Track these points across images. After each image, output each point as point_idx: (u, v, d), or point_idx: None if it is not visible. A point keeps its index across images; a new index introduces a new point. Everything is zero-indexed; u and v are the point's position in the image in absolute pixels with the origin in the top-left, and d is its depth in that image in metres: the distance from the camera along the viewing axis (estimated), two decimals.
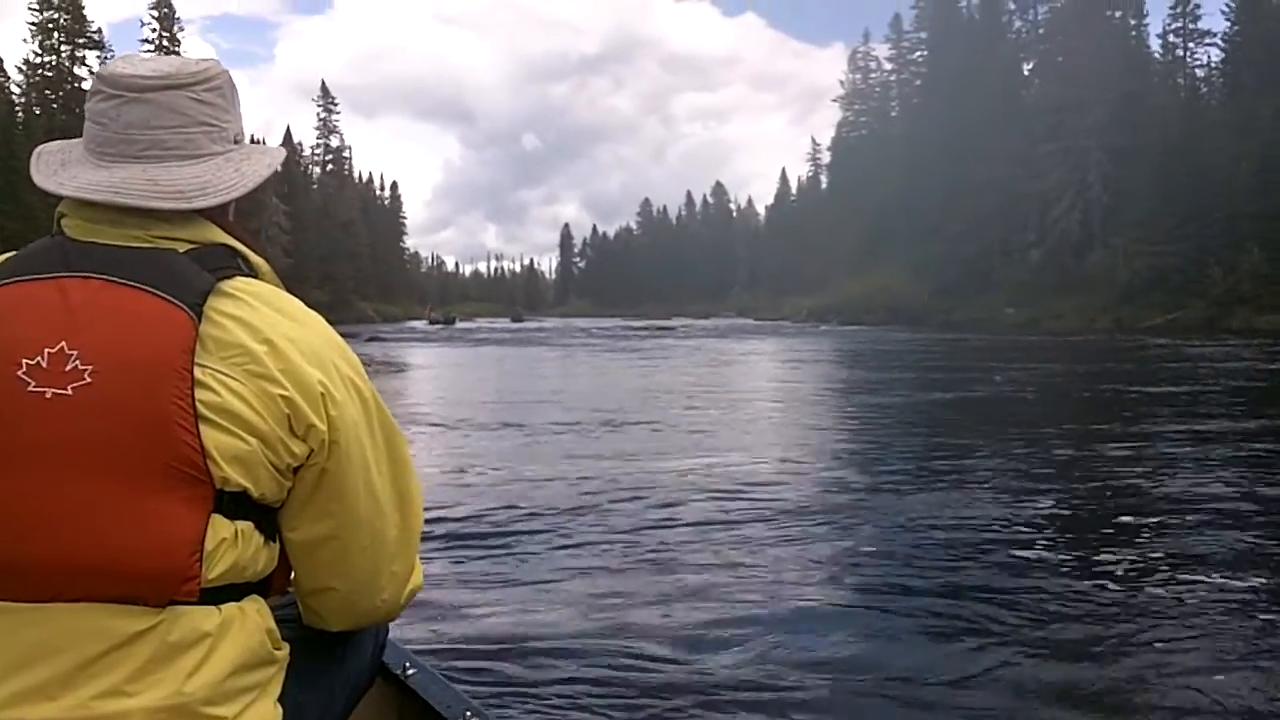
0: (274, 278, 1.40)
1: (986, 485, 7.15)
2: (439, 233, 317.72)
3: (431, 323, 71.02)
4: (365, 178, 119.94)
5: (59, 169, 1.34)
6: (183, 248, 1.30)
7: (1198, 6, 64.15)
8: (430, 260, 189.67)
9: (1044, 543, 5.50)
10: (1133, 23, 65.52)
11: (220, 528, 1.21)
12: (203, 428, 1.18)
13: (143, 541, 1.16)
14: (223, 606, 1.22)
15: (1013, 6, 73.20)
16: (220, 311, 1.24)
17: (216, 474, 1.19)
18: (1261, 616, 4.15)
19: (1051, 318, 52.87)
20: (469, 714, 1.74)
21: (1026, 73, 71.29)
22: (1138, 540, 5.50)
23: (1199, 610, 4.21)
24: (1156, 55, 65.90)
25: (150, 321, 1.20)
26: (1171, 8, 64.77)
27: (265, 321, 1.26)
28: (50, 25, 63.30)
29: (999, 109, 65.59)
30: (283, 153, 1.49)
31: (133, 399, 1.16)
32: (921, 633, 4.03)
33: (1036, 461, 8.39)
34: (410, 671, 1.84)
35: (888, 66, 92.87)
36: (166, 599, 1.17)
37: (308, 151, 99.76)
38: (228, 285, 1.27)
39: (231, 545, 1.22)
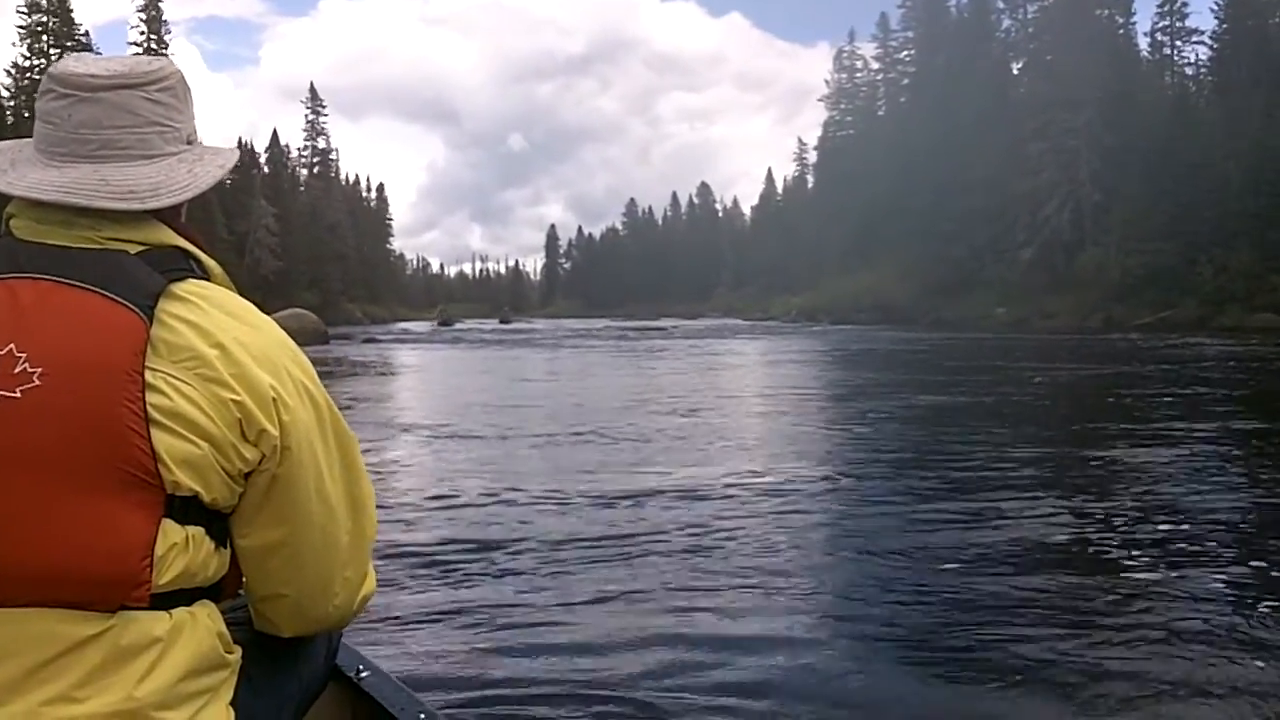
0: (226, 280, 1.39)
1: (996, 495, 6.84)
2: (424, 234, 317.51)
3: (441, 324, 71.60)
4: (352, 179, 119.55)
5: (8, 168, 1.32)
6: (134, 249, 1.29)
7: (1185, 4, 64.61)
8: (416, 262, 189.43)
9: (1058, 561, 5.21)
10: (1120, 21, 65.78)
11: (171, 533, 1.20)
12: (153, 431, 1.17)
13: (93, 546, 1.15)
14: (173, 611, 1.22)
15: (1001, 5, 73.41)
16: (171, 314, 1.23)
17: (167, 478, 1.19)
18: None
19: (1042, 316, 53.00)
20: (422, 716, 1.74)
21: (1015, 72, 71.42)
22: (1159, 555, 5.26)
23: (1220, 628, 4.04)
24: (1145, 54, 66.18)
25: (101, 323, 1.19)
26: (1159, 6, 65.26)
27: (217, 325, 1.25)
28: (39, 28, 62.88)
29: (988, 108, 65.76)
30: (235, 154, 1.48)
31: (82, 402, 1.15)
32: (922, 664, 3.80)
33: (1051, 468, 8.17)
34: (364, 674, 1.83)
35: (874, 66, 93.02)
36: (117, 604, 1.17)
37: (295, 154, 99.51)
38: (179, 288, 1.27)
39: (182, 550, 1.22)
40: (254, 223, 79.20)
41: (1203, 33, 62.98)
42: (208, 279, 1.35)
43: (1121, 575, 4.85)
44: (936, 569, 4.97)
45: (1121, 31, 65.64)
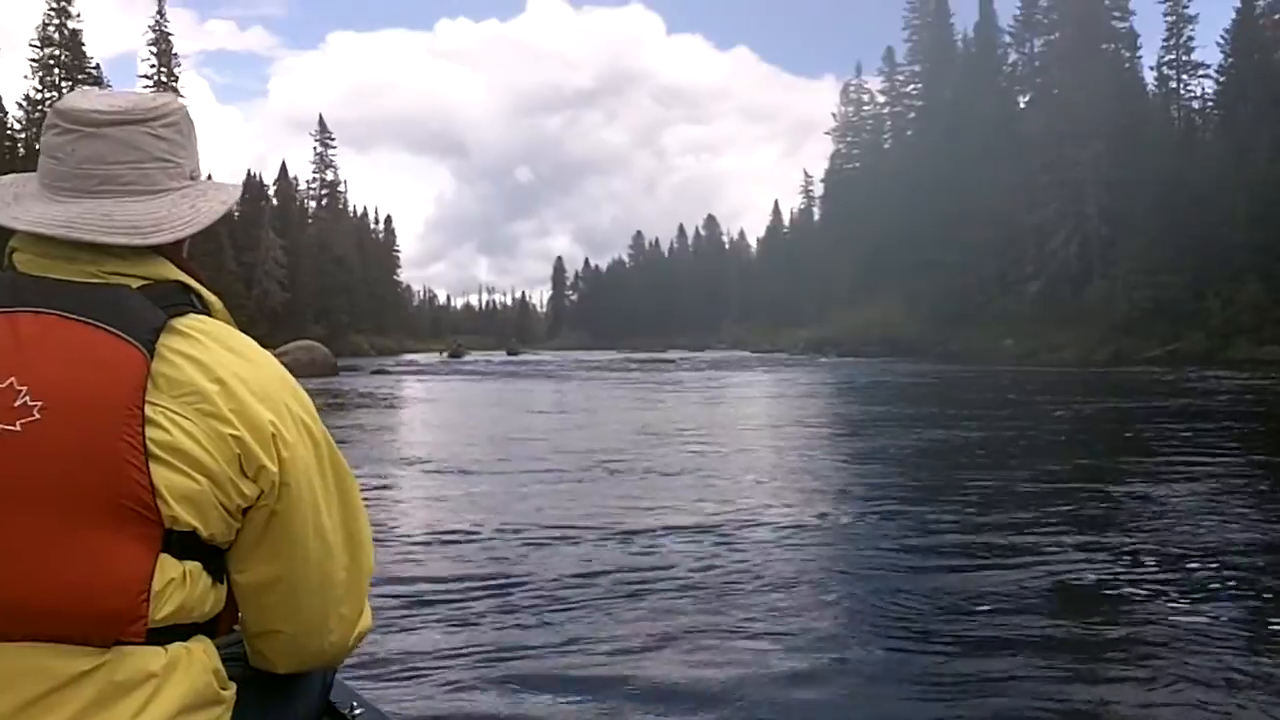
0: (226, 315, 1.39)
1: (1015, 534, 6.71)
2: (431, 266, 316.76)
3: (452, 355, 72.57)
4: (360, 211, 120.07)
5: (12, 202, 1.33)
6: (136, 284, 1.29)
7: (1191, 39, 64.67)
8: (422, 293, 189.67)
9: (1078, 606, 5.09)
10: (1126, 55, 66.02)
11: (168, 568, 1.20)
12: (153, 466, 1.17)
13: (90, 581, 1.15)
14: (169, 647, 1.21)
15: (1008, 39, 73.75)
16: (172, 349, 1.24)
17: (166, 513, 1.19)
18: None
19: (1050, 349, 52.84)
20: None
21: (1022, 106, 71.64)
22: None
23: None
24: (1151, 87, 66.37)
25: (102, 358, 1.19)
26: (1165, 40, 65.34)
27: (217, 360, 1.26)
28: (51, 61, 63.47)
29: (995, 141, 65.92)
30: (238, 190, 1.50)
31: (83, 436, 1.16)
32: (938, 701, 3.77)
33: (1072, 506, 7.97)
34: (357, 712, 1.80)
35: (880, 99, 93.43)
36: (112, 639, 1.17)
37: (303, 185, 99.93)
38: (180, 323, 1.27)
39: (179, 585, 1.22)
40: (262, 254, 79.57)
41: (1208, 66, 63.16)
42: (209, 314, 1.35)
43: (1143, 616, 4.80)
44: (955, 608, 4.92)
45: (1128, 65, 65.86)
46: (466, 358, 73.43)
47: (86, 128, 1.31)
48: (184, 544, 1.21)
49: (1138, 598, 5.11)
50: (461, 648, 4.34)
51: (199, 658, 1.25)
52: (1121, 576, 5.54)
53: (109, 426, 1.16)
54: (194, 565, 1.24)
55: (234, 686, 1.32)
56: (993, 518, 7.35)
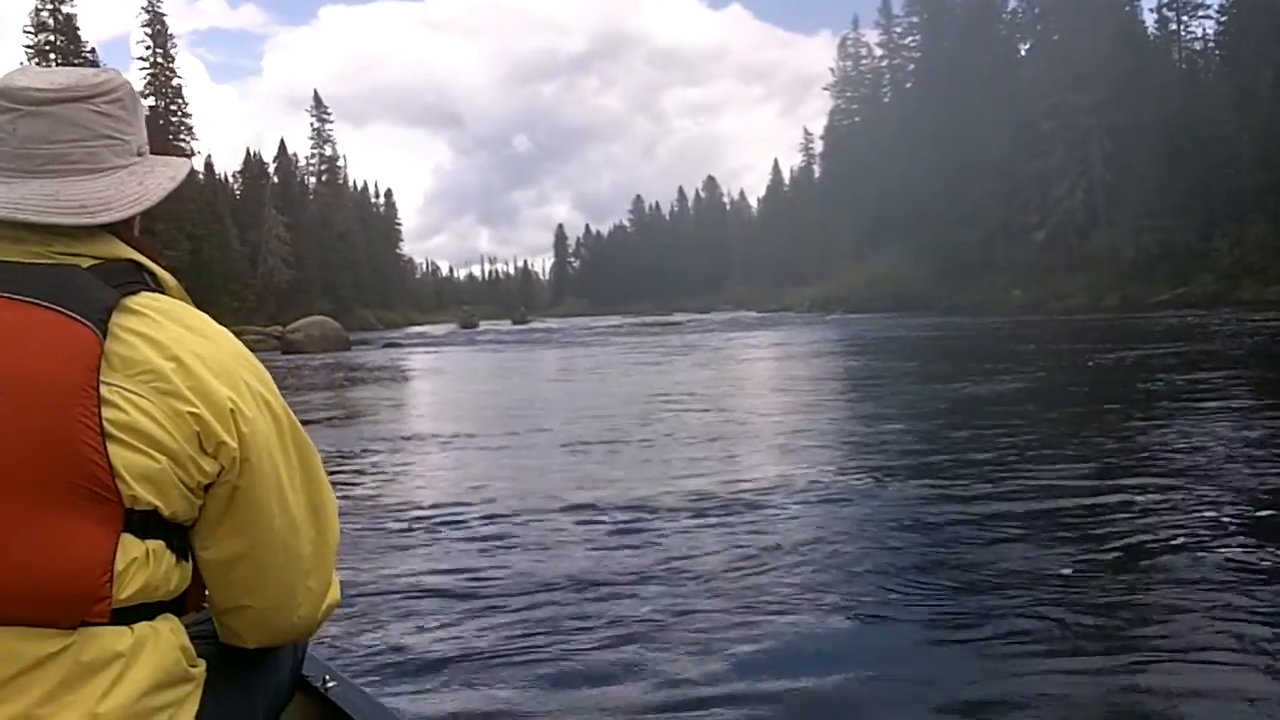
0: (180, 292, 1.37)
1: (1051, 498, 6.34)
2: (432, 238, 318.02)
3: (464, 325, 72.40)
4: (360, 186, 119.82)
5: None
6: (86, 263, 1.27)
7: None
8: (425, 266, 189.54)
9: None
10: None
11: (131, 547, 1.19)
12: (110, 446, 1.16)
13: (52, 563, 1.14)
14: (135, 626, 1.20)
15: None
16: (126, 328, 1.22)
17: (125, 493, 1.17)
18: None
19: (1058, 297, 52.77)
20: None
21: (1023, 53, 71.15)
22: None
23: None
24: (1152, 30, 65.92)
25: (54, 339, 1.17)
26: None
27: (172, 338, 1.24)
28: (46, 47, 62.91)
29: (996, 91, 65.55)
30: (188, 164, 1.46)
31: (38, 418, 1.14)
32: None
33: (1111, 462, 7.78)
34: (330, 684, 1.80)
35: (879, 53, 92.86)
36: (77, 620, 1.16)
37: (303, 162, 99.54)
38: (133, 301, 1.25)
39: (143, 565, 1.20)
40: (266, 233, 79.47)
41: (1209, 6, 62.82)
42: (163, 292, 1.34)
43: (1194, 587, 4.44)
44: (1002, 585, 4.55)
45: (1127, 8, 65.40)
46: (480, 327, 73.69)
47: (27, 106, 1.28)
48: (145, 523, 1.20)
49: (1202, 567, 4.72)
50: (461, 627, 4.26)
51: (166, 636, 1.24)
52: (1171, 541, 5.15)
53: (64, 408, 1.14)
54: (157, 544, 1.22)
55: (204, 663, 1.32)
56: (1027, 483, 6.90)
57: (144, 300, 1.26)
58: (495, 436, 10.95)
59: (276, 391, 1.36)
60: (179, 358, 1.22)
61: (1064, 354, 19.83)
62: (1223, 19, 59.36)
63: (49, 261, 1.26)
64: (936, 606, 4.36)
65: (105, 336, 1.19)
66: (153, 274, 1.35)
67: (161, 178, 1.39)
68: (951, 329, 33.82)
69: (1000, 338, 27.30)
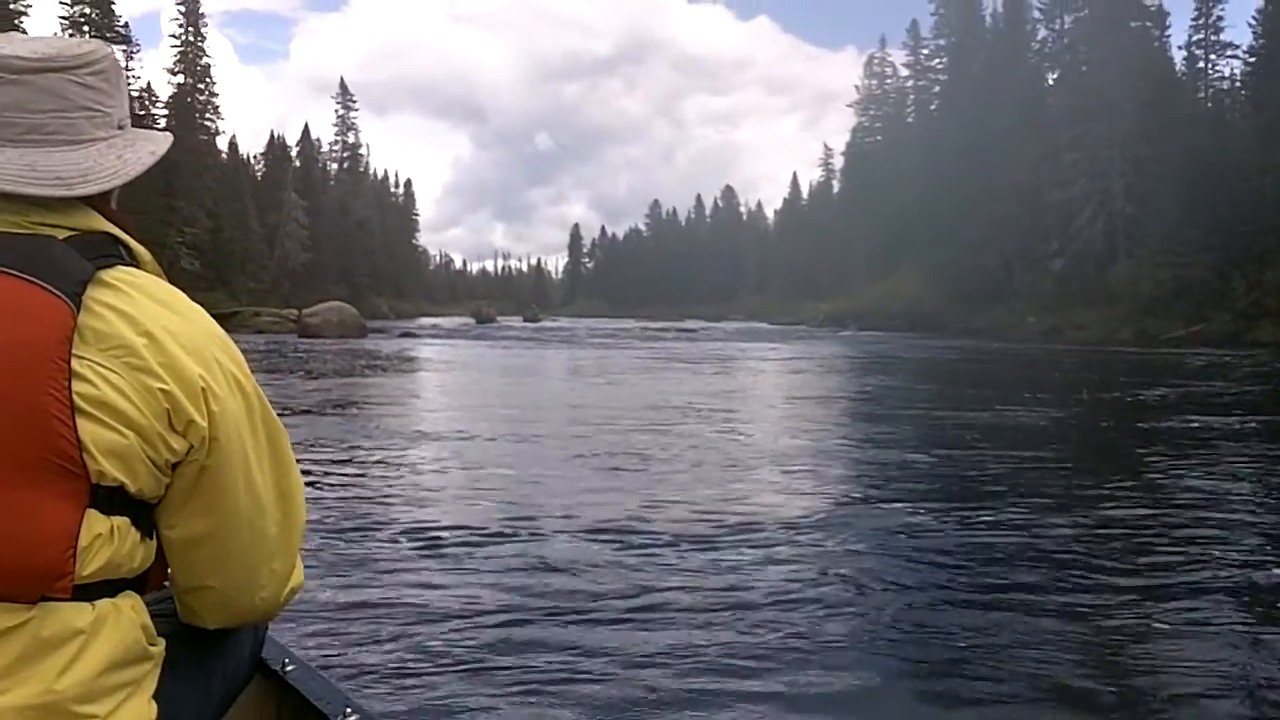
0: (156, 267, 1.37)
1: (1065, 529, 6.42)
2: (448, 230, 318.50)
3: (480, 320, 72.19)
4: (380, 175, 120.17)
5: None
6: (62, 235, 1.27)
7: (1220, 19, 64.18)
8: (439, 258, 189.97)
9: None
10: (1155, 34, 65.52)
11: (95, 523, 1.19)
12: (79, 420, 1.15)
13: (14, 536, 1.14)
14: (96, 603, 1.20)
15: (1038, 15, 73.19)
16: (100, 302, 1.21)
17: (92, 468, 1.17)
18: None
19: (1074, 327, 52.67)
20: (348, 710, 1.70)
21: (1050, 83, 71.17)
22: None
23: None
24: (1180, 67, 65.93)
25: (27, 310, 1.16)
26: (1194, 20, 64.78)
27: (145, 313, 1.24)
28: (80, 19, 63.24)
29: (1021, 118, 65.54)
30: (168, 139, 1.44)
31: (6, 389, 1.13)
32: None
33: (1128, 499, 7.65)
34: (289, 668, 1.80)
35: (904, 73, 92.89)
36: (38, 595, 1.15)
37: (325, 148, 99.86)
38: (108, 275, 1.25)
39: (107, 541, 1.20)
40: (285, 215, 79.75)
41: (1238, 46, 62.76)
42: (138, 266, 1.33)
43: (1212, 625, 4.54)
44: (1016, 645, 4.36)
45: (1156, 44, 65.39)
46: (497, 321, 73.43)
47: (7, 74, 1.26)
48: (111, 499, 1.20)
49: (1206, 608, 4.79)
50: (442, 637, 4.25)
51: (127, 613, 1.24)
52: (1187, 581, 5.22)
53: (34, 380, 1.13)
54: (122, 520, 1.22)
55: (164, 642, 1.32)
56: (1041, 516, 6.87)
57: (119, 274, 1.26)
58: (508, 441, 10.77)
59: (248, 371, 1.36)
60: (151, 333, 1.22)
61: (1093, 385, 19.70)
62: (1251, 59, 59.31)
63: (24, 231, 1.25)
64: (954, 653, 4.28)
65: (79, 309, 1.19)
66: (128, 248, 1.34)
67: (141, 152, 1.39)
68: (970, 352, 33.82)
69: (1020, 364, 27.41)
